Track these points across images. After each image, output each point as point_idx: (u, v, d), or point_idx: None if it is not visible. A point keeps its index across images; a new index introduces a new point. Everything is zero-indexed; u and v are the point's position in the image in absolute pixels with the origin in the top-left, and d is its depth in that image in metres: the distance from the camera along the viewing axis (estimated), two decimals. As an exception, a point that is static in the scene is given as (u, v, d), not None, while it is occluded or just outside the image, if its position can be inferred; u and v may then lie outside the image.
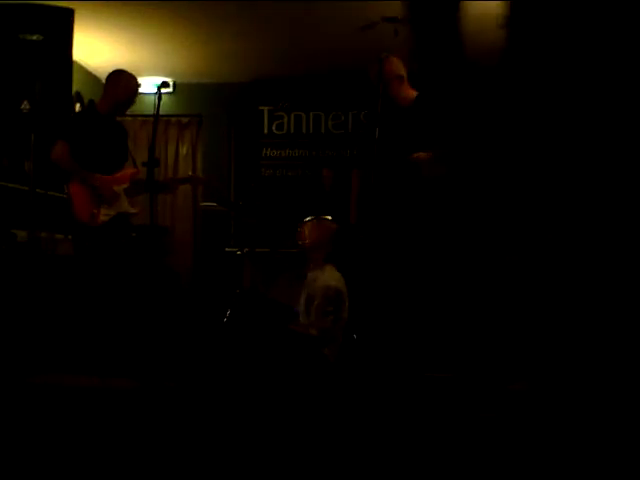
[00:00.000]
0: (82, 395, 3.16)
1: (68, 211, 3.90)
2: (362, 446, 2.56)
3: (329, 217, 4.83)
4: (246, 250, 5.28)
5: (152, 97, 6.67)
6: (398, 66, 3.75)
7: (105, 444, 2.51)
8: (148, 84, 7.09)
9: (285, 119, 7.30)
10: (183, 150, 7.44)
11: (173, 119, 7.33)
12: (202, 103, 7.38)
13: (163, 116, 6.42)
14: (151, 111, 4.37)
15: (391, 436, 2.68)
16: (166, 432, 2.69)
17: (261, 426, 2.81)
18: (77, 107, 6.11)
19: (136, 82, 4.13)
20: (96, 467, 2.28)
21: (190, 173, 7.06)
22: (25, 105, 3.73)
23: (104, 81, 4.18)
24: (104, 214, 3.89)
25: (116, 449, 2.47)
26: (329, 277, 3.83)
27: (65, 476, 2.22)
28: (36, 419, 2.83)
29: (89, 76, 6.54)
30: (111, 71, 4.14)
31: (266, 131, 7.30)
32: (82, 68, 6.33)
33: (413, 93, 3.80)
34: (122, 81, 4.05)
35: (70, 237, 4.18)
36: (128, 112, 4.30)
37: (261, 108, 7.29)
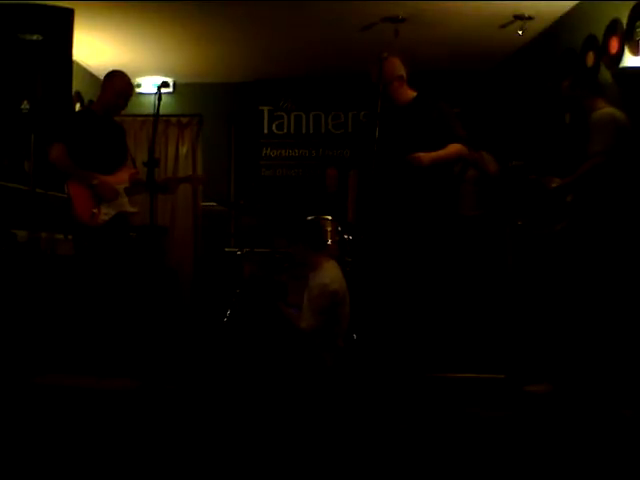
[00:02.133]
0: (83, 395, 3.16)
1: (68, 211, 3.90)
2: (360, 447, 2.56)
3: (329, 217, 4.84)
4: (246, 250, 5.28)
5: (152, 97, 6.69)
6: (398, 67, 3.75)
7: (106, 444, 2.51)
8: (148, 84, 7.12)
9: (285, 119, 7.30)
10: (183, 150, 7.43)
11: (173, 119, 7.33)
12: (202, 103, 7.38)
13: (163, 116, 6.40)
14: (151, 111, 4.37)
15: (390, 438, 2.68)
16: (166, 432, 2.69)
17: (260, 427, 2.80)
18: (77, 107, 6.11)
19: (129, 85, 4.12)
20: (97, 467, 2.28)
21: (190, 173, 7.06)
22: (25, 105, 3.73)
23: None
24: (104, 213, 3.88)
25: (117, 449, 2.47)
26: (325, 275, 3.84)
27: (66, 476, 2.22)
28: (39, 419, 2.83)
29: (89, 76, 6.54)
30: (107, 72, 4.14)
31: (266, 131, 7.30)
32: (82, 68, 6.34)
33: (412, 93, 3.81)
34: (115, 84, 4.04)
35: (70, 237, 4.18)
36: (128, 112, 4.29)
37: (261, 108, 7.29)
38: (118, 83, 4.05)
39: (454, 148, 3.64)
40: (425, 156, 3.51)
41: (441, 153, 3.59)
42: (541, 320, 3.88)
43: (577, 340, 3.40)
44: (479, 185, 4.84)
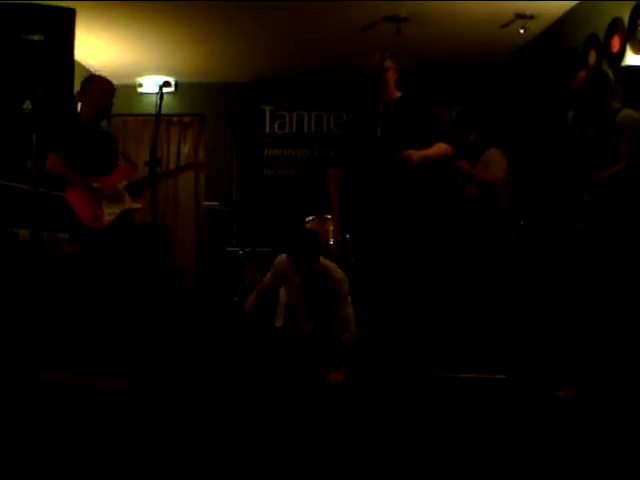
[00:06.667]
0: (85, 394, 3.16)
1: (71, 217, 3.89)
2: (361, 446, 2.56)
3: (329, 216, 4.83)
4: (248, 250, 5.28)
5: (154, 97, 6.68)
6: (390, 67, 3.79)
7: (110, 442, 2.52)
8: (150, 84, 7.11)
9: (287, 118, 7.30)
10: (185, 150, 7.44)
11: (175, 119, 7.33)
12: (204, 103, 7.38)
13: (165, 115, 6.41)
14: (153, 111, 4.37)
15: (391, 438, 2.68)
16: (170, 430, 2.69)
17: (261, 426, 2.81)
18: (79, 107, 6.10)
19: (111, 84, 4.09)
20: (98, 466, 2.29)
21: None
22: (27, 105, 3.74)
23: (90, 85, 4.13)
24: (108, 214, 3.88)
25: (121, 447, 2.47)
26: (335, 272, 3.81)
27: (67, 476, 2.23)
28: (39, 418, 2.84)
29: (91, 76, 6.54)
30: (85, 78, 4.13)
31: (268, 130, 7.30)
32: (84, 68, 6.33)
33: (397, 93, 3.84)
34: (97, 86, 4.01)
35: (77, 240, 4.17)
36: (128, 112, 4.29)
37: (263, 107, 7.29)
38: (102, 85, 4.02)
39: (440, 147, 3.66)
40: (415, 154, 3.51)
41: (429, 152, 3.60)
42: (548, 320, 3.86)
43: (587, 341, 3.36)
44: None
